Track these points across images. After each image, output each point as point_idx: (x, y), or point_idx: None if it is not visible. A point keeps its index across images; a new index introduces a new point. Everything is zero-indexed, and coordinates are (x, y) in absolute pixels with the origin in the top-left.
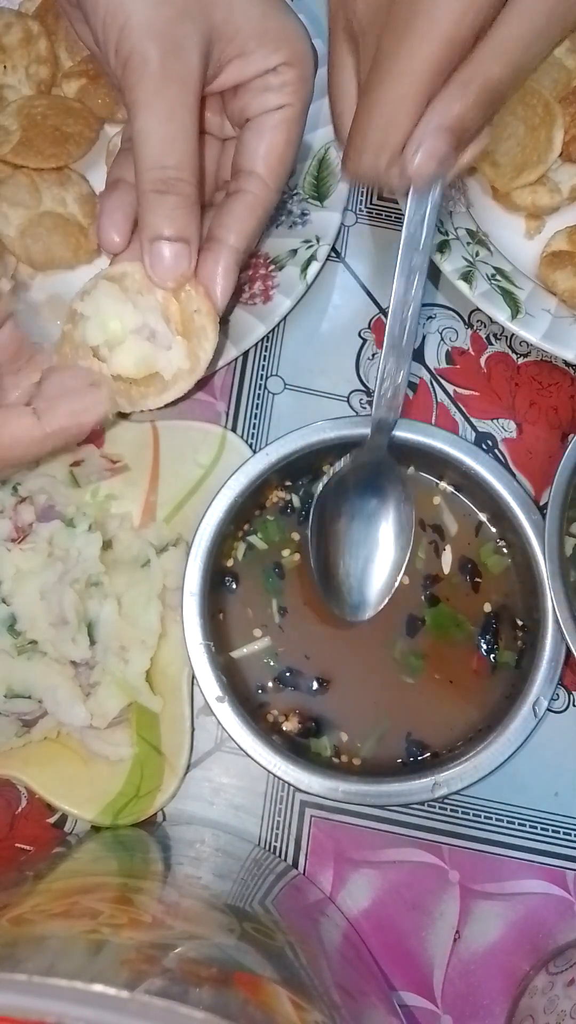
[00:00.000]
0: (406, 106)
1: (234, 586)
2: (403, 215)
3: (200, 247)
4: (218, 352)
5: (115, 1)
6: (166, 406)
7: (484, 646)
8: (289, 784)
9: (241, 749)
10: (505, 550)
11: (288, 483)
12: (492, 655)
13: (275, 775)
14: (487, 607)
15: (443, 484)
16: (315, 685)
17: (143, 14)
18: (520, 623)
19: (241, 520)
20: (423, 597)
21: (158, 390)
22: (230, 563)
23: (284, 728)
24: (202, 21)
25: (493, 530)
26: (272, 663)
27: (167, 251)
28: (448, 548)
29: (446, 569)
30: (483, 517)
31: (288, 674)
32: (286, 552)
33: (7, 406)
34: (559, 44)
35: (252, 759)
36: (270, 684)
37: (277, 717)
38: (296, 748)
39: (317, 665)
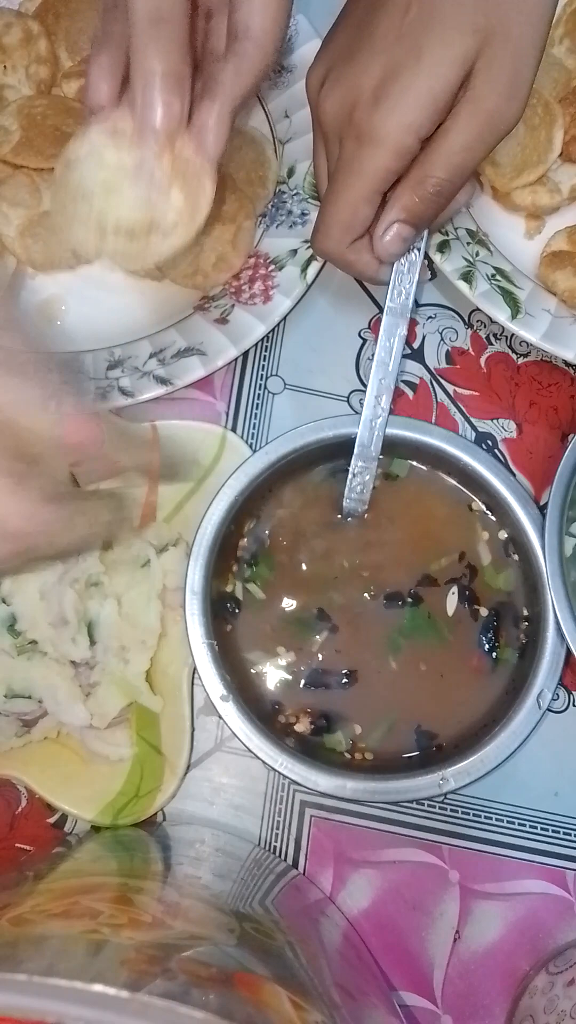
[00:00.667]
0: (362, 201)
1: (236, 611)
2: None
3: (193, 101)
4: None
5: None
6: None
7: (485, 645)
8: (295, 783)
9: (247, 748)
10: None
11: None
12: (493, 653)
13: (282, 773)
14: (484, 611)
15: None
16: (344, 680)
17: None
18: (524, 615)
19: (241, 520)
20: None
21: (157, 237)
22: (229, 588)
23: (297, 729)
24: None
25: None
26: (295, 673)
27: (160, 90)
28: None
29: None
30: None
31: (318, 673)
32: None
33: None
34: (497, 144)
35: (257, 758)
36: (296, 687)
37: (289, 718)
38: (309, 747)
39: (343, 660)
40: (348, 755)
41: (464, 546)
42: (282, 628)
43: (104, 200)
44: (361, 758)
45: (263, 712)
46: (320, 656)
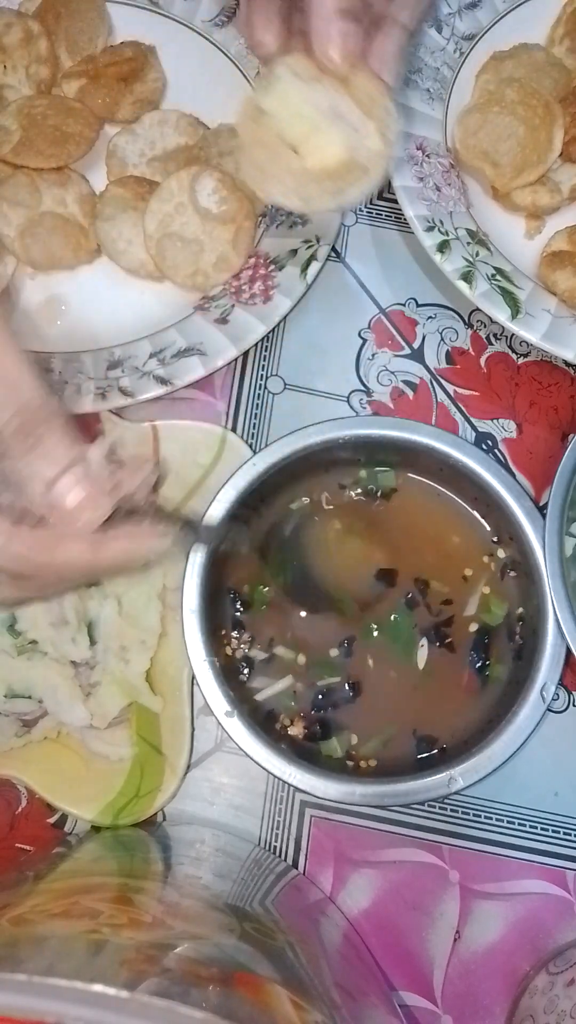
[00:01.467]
0: None
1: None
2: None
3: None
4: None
5: None
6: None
7: (476, 664)
8: (305, 792)
9: (255, 761)
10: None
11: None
12: (484, 671)
13: (292, 785)
14: (473, 626)
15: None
16: (348, 691)
17: None
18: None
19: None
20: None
21: (358, 176)
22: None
23: (290, 733)
24: None
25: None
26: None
27: (342, 28)
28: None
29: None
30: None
31: (320, 696)
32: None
33: (66, 534)
34: None
35: (267, 771)
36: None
37: (283, 721)
38: (306, 753)
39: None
40: (351, 762)
41: (464, 569)
42: (284, 637)
43: (305, 148)
44: (366, 766)
45: (261, 718)
46: (321, 667)
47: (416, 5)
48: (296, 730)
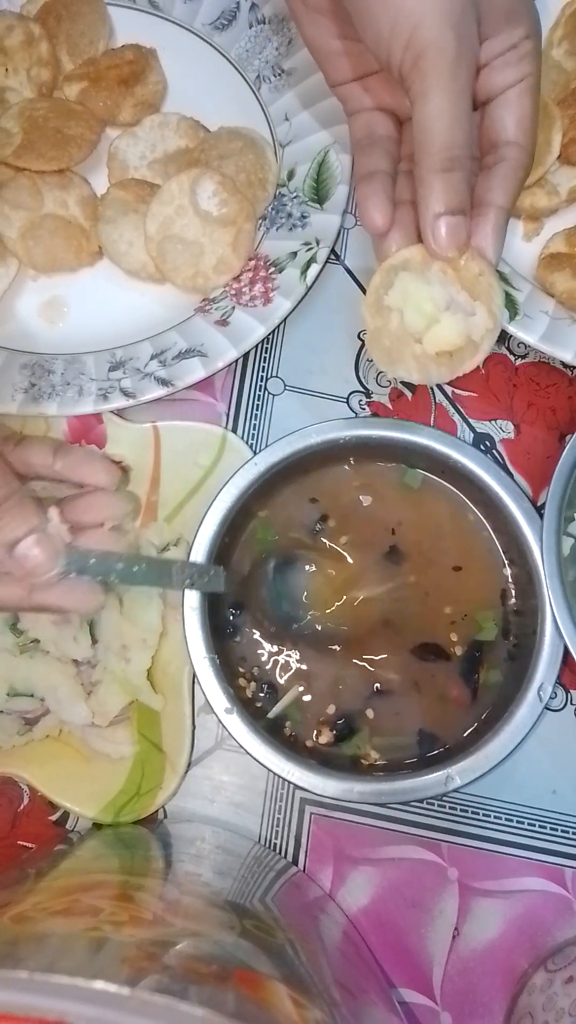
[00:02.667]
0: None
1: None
2: None
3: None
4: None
5: (409, 2)
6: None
7: (463, 677)
8: (304, 789)
9: (254, 759)
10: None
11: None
12: (474, 683)
13: (291, 782)
14: (459, 650)
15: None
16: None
17: (439, 11)
18: (516, 611)
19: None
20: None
21: (471, 353)
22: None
23: (320, 741)
24: (476, 7)
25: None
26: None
27: (450, 224)
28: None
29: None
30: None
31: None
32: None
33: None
34: None
35: (266, 768)
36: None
37: (295, 729)
38: (323, 756)
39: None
40: (364, 761)
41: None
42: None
43: (425, 337)
44: (369, 764)
45: (270, 724)
46: (326, 666)
47: (509, 185)
48: (325, 738)
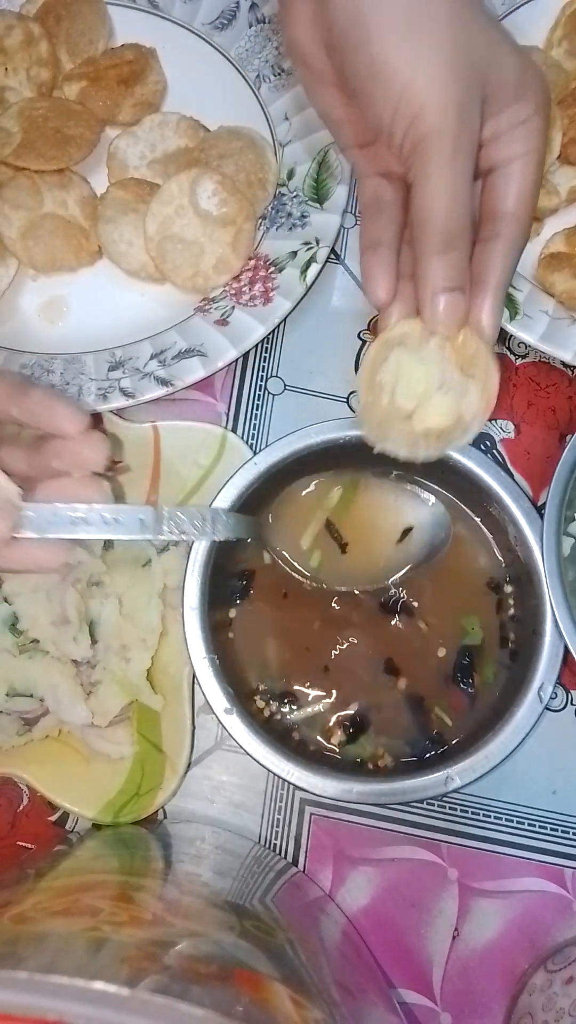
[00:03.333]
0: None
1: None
2: None
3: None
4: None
5: (411, 88)
6: None
7: (460, 683)
8: (303, 789)
9: (253, 759)
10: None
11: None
12: (470, 688)
13: (289, 782)
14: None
15: None
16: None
17: (440, 97)
18: (513, 608)
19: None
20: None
21: (461, 432)
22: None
23: (332, 742)
24: (480, 91)
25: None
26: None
27: (448, 301)
28: None
29: None
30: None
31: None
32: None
33: None
34: None
35: (266, 768)
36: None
37: (305, 734)
38: (336, 764)
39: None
40: (371, 765)
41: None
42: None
43: (416, 415)
44: (375, 767)
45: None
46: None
47: (506, 263)
48: (337, 739)
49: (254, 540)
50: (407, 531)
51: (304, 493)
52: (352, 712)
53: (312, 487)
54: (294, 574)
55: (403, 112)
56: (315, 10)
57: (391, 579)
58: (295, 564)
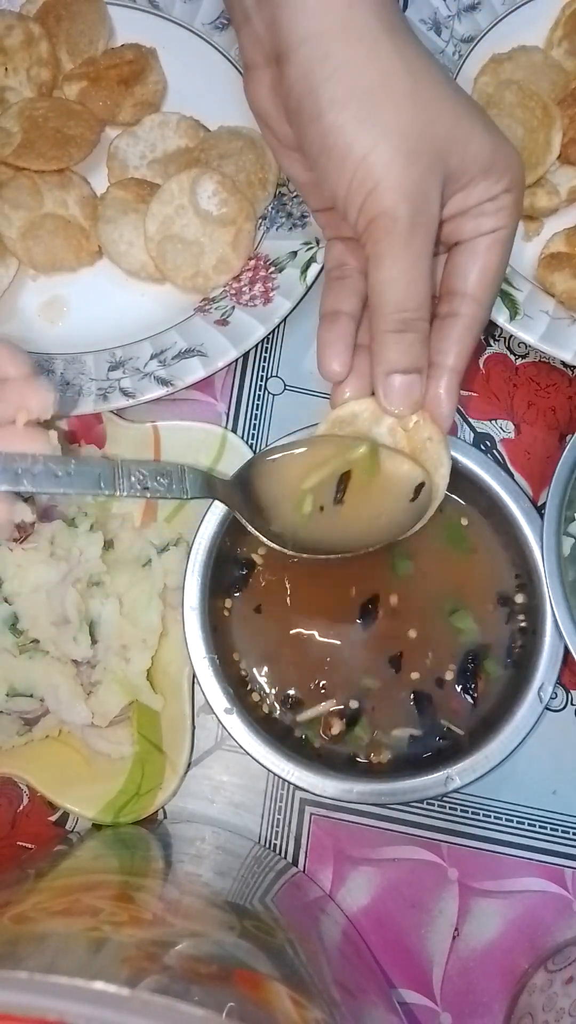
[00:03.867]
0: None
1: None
2: None
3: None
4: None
5: (364, 166)
6: None
7: (460, 687)
8: (303, 789)
9: (253, 758)
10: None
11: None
12: (471, 694)
13: (289, 782)
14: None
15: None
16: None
17: (394, 178)
18: (521, 616)
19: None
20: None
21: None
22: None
23: (332, 732)
24: (441, 170)
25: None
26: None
27: (403, 382)
28: None
29: None
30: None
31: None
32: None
33: None
34: None
35: (266, 768)
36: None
37: (306, 731)
38: (328, 755)
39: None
40: (364, 760)
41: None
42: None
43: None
44: (372, 763)
45: (272, 725)
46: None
47: (462, 348)
48: (337, 728)
49: (224, 503)
50: (419, 487)
51: (300, 452)
52: (354, 706)
53: (307, 448)
54: (267, 541)
55: (356, 189)
56: (274, 76)
57: (398, 536)
58: (269, 530)
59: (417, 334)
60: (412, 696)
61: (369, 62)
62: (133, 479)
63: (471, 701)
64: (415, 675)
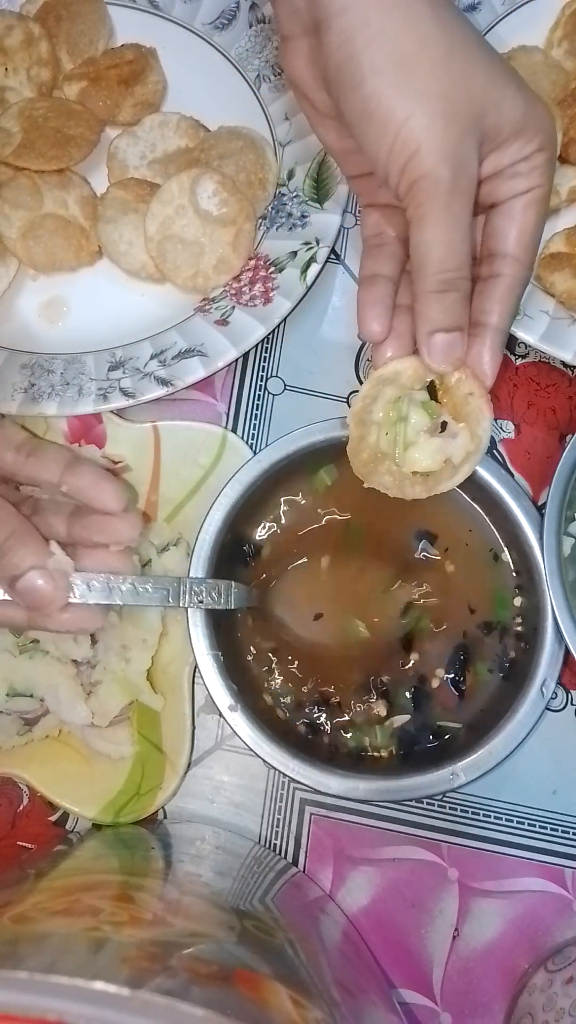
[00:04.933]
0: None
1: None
2: None
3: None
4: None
5: (405, 131)
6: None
7: (449, 678)
8: (306, 786)
9: (255, 754)
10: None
11: None
12: (459, 687)
13: (292, 779)
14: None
15: None
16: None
17: (435, 140)
18: (519, 624)
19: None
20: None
21: (449, 474)
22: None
23: (375, 712)
24: (477, 132)
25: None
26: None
27: (446, 340)
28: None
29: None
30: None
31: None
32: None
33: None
34: None
35: (270, 766)
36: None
37: (319, 724)
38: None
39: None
40: (367, 753)
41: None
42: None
43: (404, 456)
44: (379, 755)
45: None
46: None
47: (506, 306)
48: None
49: (260, 607)
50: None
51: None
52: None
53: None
54: (290, 639)
55: (398, 153)
56: (312, 46)
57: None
58: (294, 629)
59: (459, 293)
60: (412, 689)
61: (407, 28)
62: (193, 595)
63: (457, 695)
64: (411, 669)
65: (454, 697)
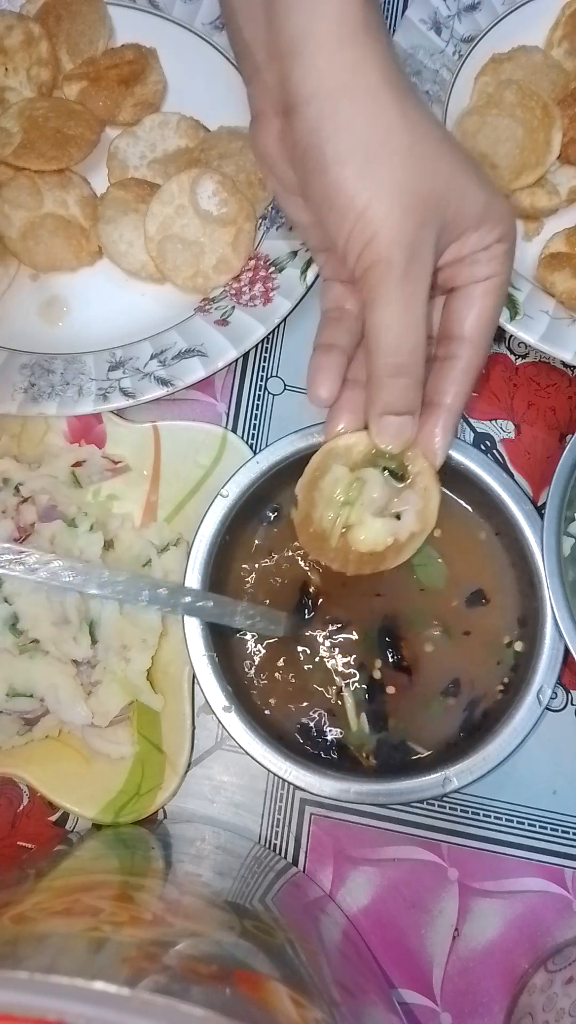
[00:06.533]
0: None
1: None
2: None
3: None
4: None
5: (364, 218)
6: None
7: (390, 659)
8: (300, 788)
9: (251, 757)
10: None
11: None
12: (401, 665)
13: (287, 780)
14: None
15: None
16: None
17: (391, 228)
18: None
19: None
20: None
21: (394, 553)
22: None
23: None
24: (437, 222)
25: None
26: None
27: (397, 423)
28: None
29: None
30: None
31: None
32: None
33: None
34: None
35: (263, 767)
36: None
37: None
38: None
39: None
40: (354, 757)
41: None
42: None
43: (350, 533)
44: (367, 764)
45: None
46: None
47: (460, 388)
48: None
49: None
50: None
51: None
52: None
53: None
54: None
55: (356, 238)
56: (282, 127)
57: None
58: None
59: (410, 379)
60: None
61: (372, 119)
62: (249, 616)
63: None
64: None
65: (402, 676)
